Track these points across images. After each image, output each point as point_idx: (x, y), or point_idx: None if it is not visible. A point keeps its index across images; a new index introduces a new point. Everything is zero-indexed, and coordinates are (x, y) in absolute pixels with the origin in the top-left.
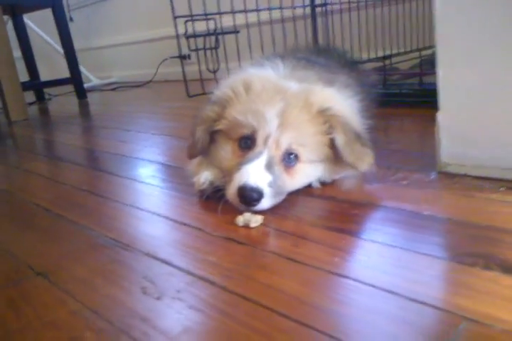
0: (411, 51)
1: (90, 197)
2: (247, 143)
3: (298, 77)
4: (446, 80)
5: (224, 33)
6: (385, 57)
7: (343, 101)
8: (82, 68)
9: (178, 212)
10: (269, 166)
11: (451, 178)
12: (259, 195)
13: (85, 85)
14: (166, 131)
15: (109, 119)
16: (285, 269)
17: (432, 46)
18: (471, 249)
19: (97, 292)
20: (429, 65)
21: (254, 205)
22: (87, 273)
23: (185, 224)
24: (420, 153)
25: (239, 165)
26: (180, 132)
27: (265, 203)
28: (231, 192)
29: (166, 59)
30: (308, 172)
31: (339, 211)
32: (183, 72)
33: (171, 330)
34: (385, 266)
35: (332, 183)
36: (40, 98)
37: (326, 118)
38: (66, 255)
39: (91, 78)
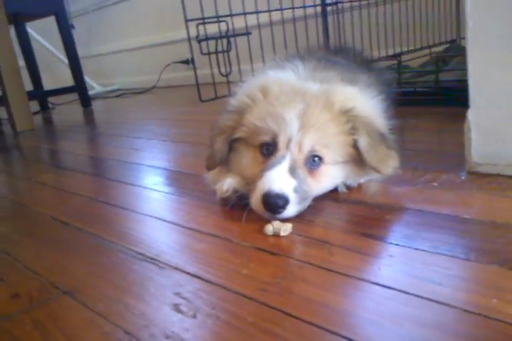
0: (421, 48)
1: (108, 209)
2: (268, 149)
3: (320, 78)
4: (477, 76)
5: (236, 35)
6: (395, 55)
7: (366, 101)
8: (85, 76)
9: (201, 221)
10: (293, 170)
11: (484, 178)
12: (284, 201)
13: (89, 93)
14: (177, 137)
15: (116, 127)
16: (324, 281)
17: (442, 43)
18: None
19: (129, 311)
20: (440, 62)
21: (280, 212)
22: (115, 291)
23: (211, 235)
24: (445, 153)
25: (261, 172)
26: (192, 138)
27: (291, 210)
28: (255, 200)
29: (170, 64)
30: (333, 175)
31: (370, 216)
32: (196, 75)
33: None
34: (431, 275)
35: (358, 187)
36: (44, 107)
37: (349, 118)
38: (91, 272)
39: (94, 86)
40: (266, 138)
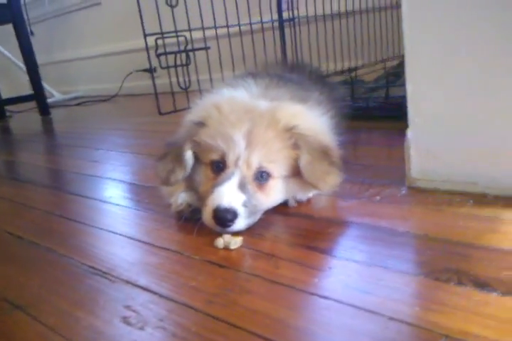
0: (376, 63)
1: (64, 223)
2: (219, 166)
3: (271, 96)
4: (416, 96)
5: (195, 49)
6: (350, 70)
7: (312, 119)
8: (44, 83)
9: (155, 235)
10: (242, 186)
11: (422, 193)
12: (233, 215)
13: (48, 100)
14: (137, 149)
15: (76, 137)
16: (269, 293)
17: (396, 57)
18: (445, 265)
19: (79, 324)
20: (394, 76)
21: (230, 226)
22: (67, 305)
23: (163, 248)
24: (390, 168)
25: (212, 188)
26: (151, 149)
27: (241, 223)
28: (206, 214)
29: (132, 72)
30: (281, 188)
31: (316, 230)
32: (154, 86)
33: None
34: (365, 285)
35: (308, 201)
36: (1, 116)
37: (292, 135)
38: (45, 286)
39: (54, 93)
40: (216, 156)
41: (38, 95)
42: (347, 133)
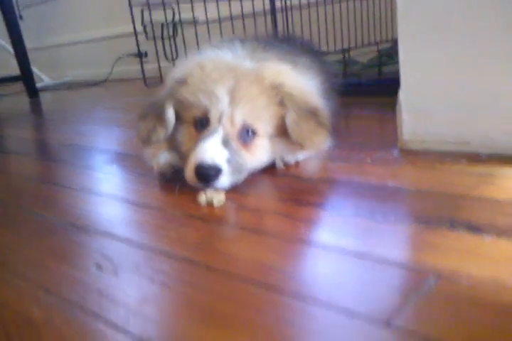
0: (369, 44)
1: (43, 186)
2: (202, 123)
3: (257, 58)
4: (407, 57)
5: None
6: (343, 50)
7: (299, 79)
8: (34, 68)
9: (137, 194)
10: (226, 142)
11: (414, 154)
12: (216, 171)
13: (37, 85)
14: (124, 123)
15: (63, 115)
16: (251, 240)
17: (389, 40)
18: (436, 214)
19: (48, 270)
20: (387, 56)
21: (213, 182)
22: (37, 254)
23: (144, 205)
24: (381, 135)
25: (195, 145)
26: None
27: (224, 180)
28: (188, 171)
29: (121, 57)
30: (267, 147)
31: (304, 187)
32: (142, 66)
33: (130, 302)
34: (351, 233)
35: (296, 164)
36: None
37: (278, 92)
38: (15, 239)
39: (43, 78)
40: (198, 113)
41: (26, 77)
42: (337, 104)
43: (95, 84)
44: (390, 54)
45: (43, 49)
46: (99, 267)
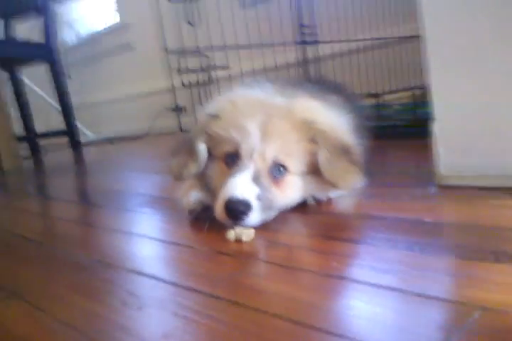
0: (402, 90)
1: (76, 227)
2: (232, 159)
3: (287, 95)
4: (439, 87)
5: (215, 67)
6: (375, 95)
7: (331, 115)
8: (78, 123)
9: (166, 233)
10: (256, 178)
11: (452, 190)
12: (246, 207)
13: (81, 140)
14: (160, 169)
15: (103, 165)
16: (280, 275)
17: (422, 87)
18: (479, 247)
19: (71, 306)
20: (421, 101)
21: (243, 219)
22: (62, 290)
23: (173, 243)
24: (419, 173)
25: (225, 180)
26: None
27: (254, 217)
28: (218, 207)
29: (161, 112)
30: (299, 185)
31: (336, 222)
32: (175, 101)
33: (152, 336)
34: (388, 267)
35: (328, 201)
36: (35, 152)
37: (310, 129)
38: (43, 276)
39: (86, 133)
40: (229, 148)
41: (71, 132)
42: (372, 148)
43: (136, 138)
44: (423, 98)
45: (87, 106)
46: (123, 303)
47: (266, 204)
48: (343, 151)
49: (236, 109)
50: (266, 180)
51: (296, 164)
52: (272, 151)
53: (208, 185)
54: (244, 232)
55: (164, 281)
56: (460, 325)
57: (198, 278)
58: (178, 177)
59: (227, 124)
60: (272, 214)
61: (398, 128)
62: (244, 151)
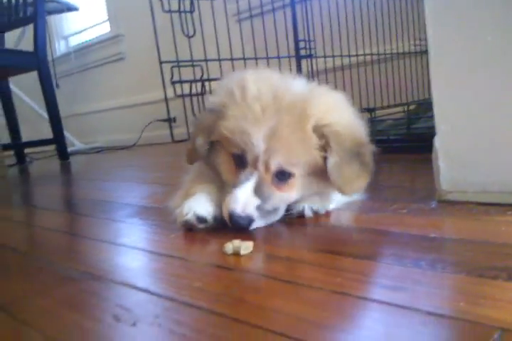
0: (396, 105)
1: (63, 237)
2: (239, 159)
3: (303, 82)
4: (442, 102)
5: (210, 79)
6: (369, 109)
7: (348, 110)
8: (66, 133)
9: (158, 244)
10: (258, 189)
11: (453, 205)
12: (247, 221)
13: (69, 149)
14: (150, 180)
15: (90, 175)
16: (280, 291)
17: (415, 102)
18: (490, 264)
19: (59, 320)
20: (415, 114)
21: (245, 229)
22: (50, 304)
23: (166, 255)
24: (416, 188)
25: (232, 186)
26: (165, 180)
27: (256, 225)
28: (224, 212)
29: (151, 122)
30: (303, 184)
31: (337, 236)
32: (168, 112)
33: None
34: (394, 284)
35: (326, 214)
36: (21, 161)
37: (323, 134)
38: (29, 289)
39: (74, 143)
40: (236, 151)
41: (59, 141)
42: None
43: (124, 148)
44: (417, 114)
45: (74, 116)
46: (116, 318)
47: (267, 211)
48: (355, 153)
49: (245, 99)
50: (268, 188)
51: (301, 170)
52: (277, 163)
53: (219, 174)
54: (242, 246)
55: (158, 295)
56: None
57: (194, 292)
58: (188, 161)
59: (233, 127)
60: (275, 218)
61: (393, 143)
62: (249, 159)
